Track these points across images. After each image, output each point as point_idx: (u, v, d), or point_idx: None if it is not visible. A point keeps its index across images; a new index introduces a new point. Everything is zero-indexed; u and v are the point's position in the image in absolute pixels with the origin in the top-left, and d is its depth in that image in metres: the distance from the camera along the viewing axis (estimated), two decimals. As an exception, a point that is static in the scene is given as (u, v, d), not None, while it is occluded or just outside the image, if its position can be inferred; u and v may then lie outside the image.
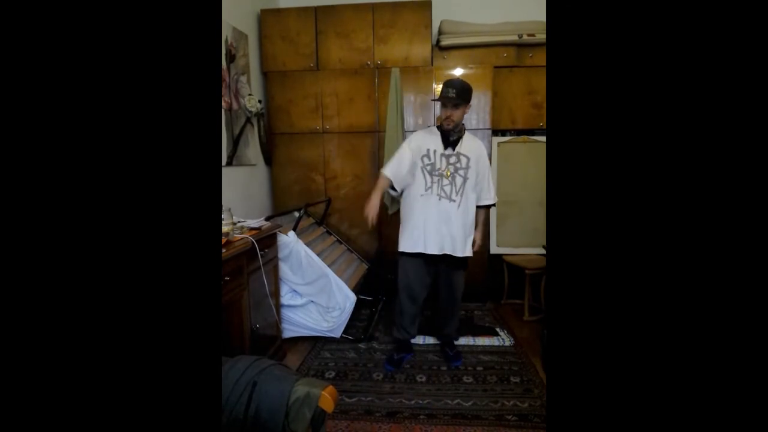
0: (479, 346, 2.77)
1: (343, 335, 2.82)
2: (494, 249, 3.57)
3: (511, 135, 3.56)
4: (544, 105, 3.43)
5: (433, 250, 2.38)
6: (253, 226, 2.39)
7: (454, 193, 2.35)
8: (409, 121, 3.41)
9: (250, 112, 3.12)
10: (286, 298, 2.74)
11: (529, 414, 2.03)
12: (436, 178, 2.35)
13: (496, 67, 3.36)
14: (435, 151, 2.36)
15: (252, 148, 3.23)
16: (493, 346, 2.76)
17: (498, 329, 2.99)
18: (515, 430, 1.92)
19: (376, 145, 3.43)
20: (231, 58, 2.92)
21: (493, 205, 2.54)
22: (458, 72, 3.36)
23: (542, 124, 3.46)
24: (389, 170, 2.39)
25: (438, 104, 2.44)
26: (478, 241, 2.52)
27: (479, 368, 2.48)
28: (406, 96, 3.38)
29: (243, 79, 3.09)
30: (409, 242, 2.42)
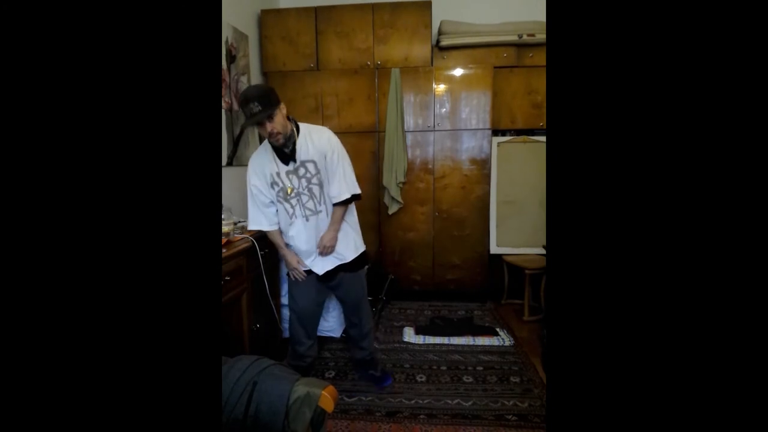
0: (479, 346, 2.76)
1: (343, 335, 2.82)
2: (494, 249, 3.57)
3: (511, 135, 3.56)
4: (544, 105, 3.42)
5: (322, 269, 2.15)
6: (253, 226, 2.38)
7: (318, 203, 2.05)
8: (409, 121, 3.41)
9: (250, 112, 3.11)
10: (286, 298, 2.69)
11: (528, 414, 2.03)
12: (294, 200, 2.04)
13: (496, 67, 3.36)
14: (278, 173, 2.01)
15: (252, 149, 3.21)
16: (493, 346, 2.76)
17: (498, 329, 2.98)
18: (515, 430, 1.92)
19: (376, 145, 3.43)
20: (231, 59, 2.91)
21: (351, 199, 2.10)
22: (458, 72, 3.36)
23: (542, 124, 3.46)
24: (256, 223, 2.10)
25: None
26: (325, 241, 2.08)
27: (479, 368, 2.48)
28: (406, 96, 3.38)
29: (243, 79, 3.09)
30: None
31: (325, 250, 2.09)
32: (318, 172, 2.02)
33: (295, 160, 1.99)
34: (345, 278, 2.20)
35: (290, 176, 2.01)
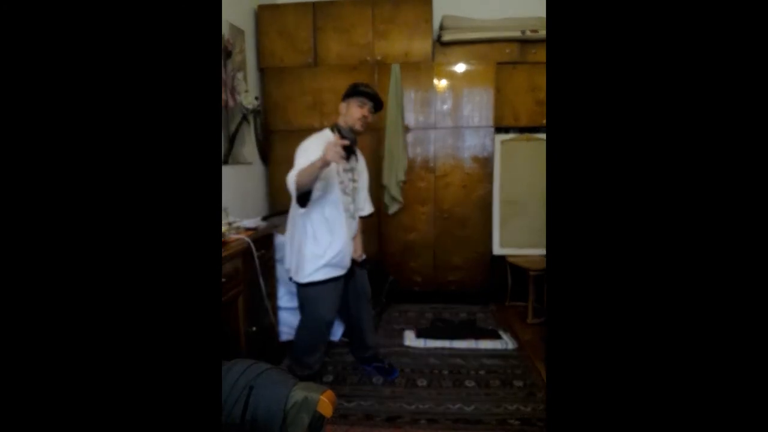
0: (482, 349, 2.70)
1: (342, 338, 2.76)
2: (497, 250, 3.50)
3: (514, 133, 3.49)
4: (548, 102, 3.37)
5: (347, 265, 2.18)
6: (249, 226, 2.36)
7: (356, 210, 2.26)
8: (410, 117, 3.35)
9: (247, 109, 3.06)
10: (283, 300, 2.68)
11: (532, 418, 1.98)
12: (345, 197, 2.14)
13: (498, 63, 3.30)
14: (340, 165, 2.04)
15: (248, 146, 3.16)
16: (496, 349, 2.70)
17: (501, 332, 2.92)
18: (520, 437, 1.87)
19: (375, 142, 3.37)
20: (227, 55, 2.86)
21: (371, 215, 2.44)
22: (460, 68, 3.30)
23: (546, 121, 3.40)
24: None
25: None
26: (361, 250, 2.33)
27: (481, 372, 2.43)
28: (406, 92, 3.32)
29: (239, 75, 3.03)
30: (327, 268, 2.09)
31: (360, 257, 2.33)
32: (360, 180, 2.25)
33: (356, 157, 2.19)
34: (358, 272, 2.35)
35: (345, 174, 2.14)
